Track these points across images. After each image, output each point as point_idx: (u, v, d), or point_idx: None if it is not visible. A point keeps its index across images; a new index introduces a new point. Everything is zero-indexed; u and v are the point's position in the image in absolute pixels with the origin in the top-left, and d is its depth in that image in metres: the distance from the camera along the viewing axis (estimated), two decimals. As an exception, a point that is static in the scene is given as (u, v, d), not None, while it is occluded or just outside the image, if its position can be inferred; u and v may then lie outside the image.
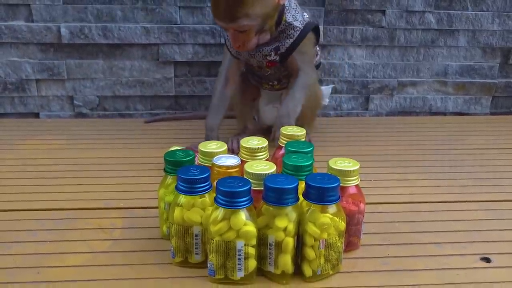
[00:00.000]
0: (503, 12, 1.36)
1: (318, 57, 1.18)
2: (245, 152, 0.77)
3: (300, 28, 1.04)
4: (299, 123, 1.18)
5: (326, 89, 1.27)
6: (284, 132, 0.82)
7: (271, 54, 1.05)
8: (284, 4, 1.01)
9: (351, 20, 1.34)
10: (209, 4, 1.29)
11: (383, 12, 1.34)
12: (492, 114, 1.48)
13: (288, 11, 1.03)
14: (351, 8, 1.33)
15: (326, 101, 1.26)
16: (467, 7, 1.35)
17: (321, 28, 1.33)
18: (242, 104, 1.19)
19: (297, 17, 1.05)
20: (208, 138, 1.08)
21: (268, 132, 1.15)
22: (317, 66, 1.20)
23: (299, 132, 0.82)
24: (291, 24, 1.03)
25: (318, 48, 1.18)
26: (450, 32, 1.38)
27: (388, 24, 1.35)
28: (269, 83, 1.14)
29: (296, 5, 1.07)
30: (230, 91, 1.12)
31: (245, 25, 0.94)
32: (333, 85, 1.36)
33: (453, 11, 1.35)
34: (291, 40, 1.04)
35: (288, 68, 1.08)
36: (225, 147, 0.77)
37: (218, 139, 1.06)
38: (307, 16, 1.08)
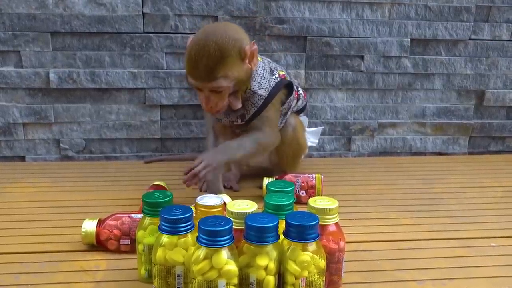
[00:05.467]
0: (475, 57, 1.43)
1: (301, 101, 1.21)
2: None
3: (264, 96, 1.06)
4: (281, 167, 1.21)
5: (316, 131, 1.29)
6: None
7: (237, 120, 1.09)
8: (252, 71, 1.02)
9: (331, 65, 1.40)
10: (194, 50, 1.33)
11: (362, 57, 1.40)
12: (470, 153, 1.52)
13: (254, 79, 1.05)
14: (331, 54, 1.38)
15: (315, 143, 1.28)
16: (440, 52, 1.42)
17: (302, 72, 1.39)
18: None
19: (263, 84, 1.06)
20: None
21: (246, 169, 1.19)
22: (302, 109, 1.24)
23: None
24: (255, 93, 1.05)
25: (301, 92, 1.21)
26: (426, 76, 1.44)
27: (366, 69, 1.41)
28: (242, 131, 1.17)
29: (264, 69, 1.08)
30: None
31: (222, 86, 0.96)
32: (323, 127, 1.39)
33: (428, 56, 1.42)
34: (255, 109, 1.06)
35: (249, 128, 1.10)
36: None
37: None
38: (277, 75, 1.09)
